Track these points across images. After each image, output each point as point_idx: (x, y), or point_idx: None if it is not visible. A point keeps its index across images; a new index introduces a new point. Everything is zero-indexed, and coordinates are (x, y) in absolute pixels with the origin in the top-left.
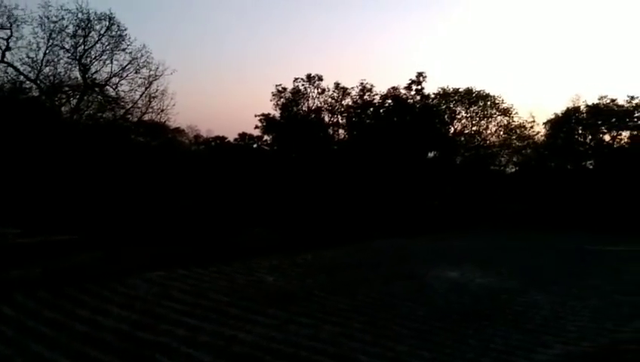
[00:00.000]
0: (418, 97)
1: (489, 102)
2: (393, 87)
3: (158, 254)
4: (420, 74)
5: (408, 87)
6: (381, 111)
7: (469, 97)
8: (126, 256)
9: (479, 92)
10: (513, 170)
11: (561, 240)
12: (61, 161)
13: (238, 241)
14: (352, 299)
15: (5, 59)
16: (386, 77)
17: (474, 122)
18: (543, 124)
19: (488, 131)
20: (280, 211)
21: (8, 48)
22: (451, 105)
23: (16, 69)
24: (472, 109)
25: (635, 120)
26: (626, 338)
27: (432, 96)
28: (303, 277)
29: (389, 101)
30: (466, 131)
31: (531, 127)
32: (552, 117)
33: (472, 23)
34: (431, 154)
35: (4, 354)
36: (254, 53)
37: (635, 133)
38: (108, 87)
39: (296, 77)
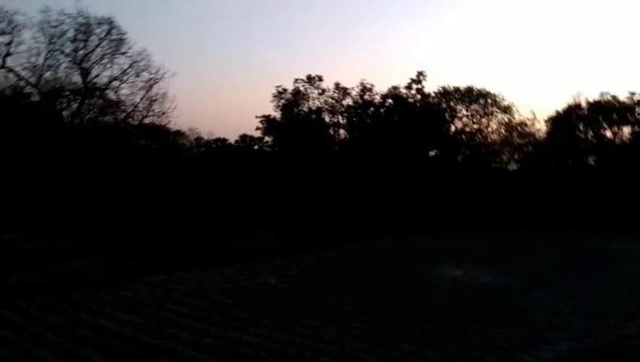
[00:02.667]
0: (418, 96)
1: (489, 100)
2: (393, 87)
3: (160, 257)
4: (420, 73)
5: (408, 87)
6: (382, 110)
7: (470, 95)
8: (128, 259)
9: (480, 90)
10: (515, 167)
11: (562, 238)
12: (62, 166)
13: (239, 243)
14: (355, 299)
15: (6, 65)
16: (386, 77)
17: (475, 120)
18: (544, 121)
19: (489, 129)
20: (281, 212)
21: (9, 54)
22: (452, 104)
23: (17, 74)
24: (472, 107)
25: (637, 115)
26: (631, 334)
27: (433, 95)
28: (306, 278)
29: (390, 100)
30: (467, 129)
31: (532, 125)
32: (553, 114)
33: (472, 22)
34: (432, 153)
35: (8, 359)
36: (255, 54)
37: (637, 128)
38: (109, 90)
39: (297, 78)
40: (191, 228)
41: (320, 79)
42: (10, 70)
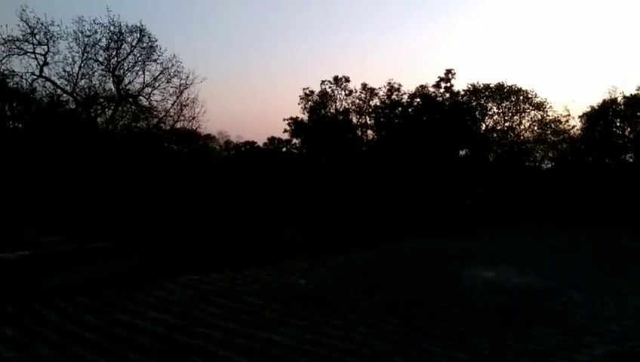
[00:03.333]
0: (447, 95)
1: (521, 97)
2: (421, 86)
3: (192, 258)
4: (448, 71)
5: (437, 85)
6: (410, 110)
7: (501, 93)
8: (161, 260)
9: (511, 87)
10: (549, 165)
11: (599, 237)
12: (98, 171)
13: (269, 244)
14: (385, 300)
15: (43, 74)
16: (414, 76)
17: (506, 118)
18: (579, 117)
19: (522, 127)
20: (310, 213)
21: (46, 63)
22: (482, 102)
23: (53, 83)
24: (504, 105)
25: None
26: None
27: (462, 93)
28: (335, 279)
29: (418, 100)
30: (499, 127)
31: (567, 121)
32: (588, 110)
33: (501, 18)
34: (462, 152)
35: (49, 357)
36: (282, 57)
37: None
38: (141, 97)
39: (324, 79)
40: (221, 229)
41: (347, 80)
42: (47, 79)
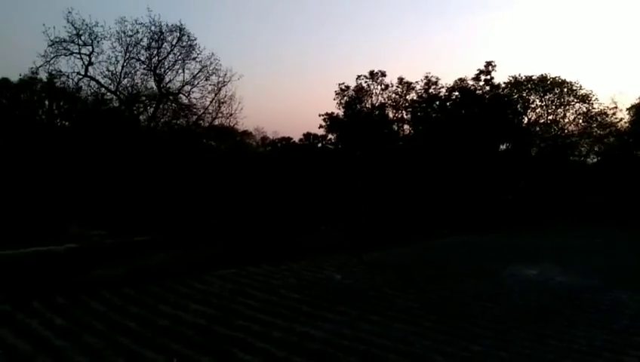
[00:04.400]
0: (487, 88)
1: (566, 89)
2: (460, 79)
3: (230, 252)
4: (488, 63)
5: (476, 78)
6: (448, 104)
7: (544, 85)
8: (201, 254)
9: (554, 78)
10: (595, 160)
11: None
12: (140, 167)
13: (305, 240)
14: (422, 297)
15: (88, 74)
16: (452, 69)
17: (550, 111)
18: (627, 109)
19: (566, 120)
20: (346, 209)
21: (91, 63)
22: (524, 94)
23: (97, 82)
24: (547, 97)
25: None
26: None
27: (503, 85)
28: (371, 275)
29: (456, 93)
30: (542, 121)
31: (614, 114)
32: (637, 102)
33: (544, 7)
34: (503, 147)
35: (96, 346)
36: (318, 54)
37: None
38: (181, 95)
39: (359, 74)
40: (257, 224)
41: (383, 74)
42: (92, 78)
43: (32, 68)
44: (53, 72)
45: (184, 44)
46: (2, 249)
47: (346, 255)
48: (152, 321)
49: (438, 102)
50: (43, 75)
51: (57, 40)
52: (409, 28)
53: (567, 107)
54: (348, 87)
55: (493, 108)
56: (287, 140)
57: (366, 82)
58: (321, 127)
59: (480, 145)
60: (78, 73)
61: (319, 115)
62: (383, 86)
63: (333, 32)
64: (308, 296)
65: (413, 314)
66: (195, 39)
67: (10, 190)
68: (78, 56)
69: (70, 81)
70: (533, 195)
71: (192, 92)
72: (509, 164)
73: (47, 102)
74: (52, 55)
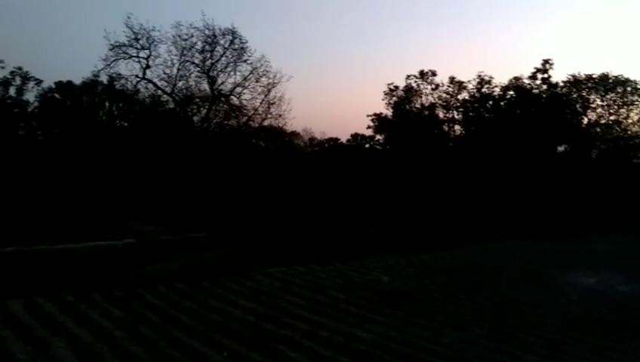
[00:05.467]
0: (544, 86)
1: (629, 88)
2: (515, 78)
3: (279, 251)
4: (546, 61)
5: (533, 77)
6: (502, 103)
7: (605, 83)
8: (251, 251)
9: (617, 77)
10: None
11: None
12: (194, 166)
13: (352, 240)
14: (473, 302)
15: (146, 77)
16: (506, 68)
17: (612, 111)
18: None
19: (629, 120)
20: (394, 211)
21: (148, 66)
22: (584, 94)
23: (154, 84)
24: (608, 97)
25: None
26: None
27: (561, 84)
28: (420, 278)
29: (511, 92)
30: (603, 121)
31: None
32: None
33: (604, 3)
34: (561, 148)
35: (151, 338)
36: (366, 54)
37: None
38: (232, 96)
39: (409, 74)
40: (305, 223)
41: (433, 74)
42: (149, 81)
43: (93, 71)
44: (113, 75)
45: (236, 46)
46: (66, 243)
47: (394, 257)
48: (204, 316)
49: (491, 102)
50: (104, 78)
51: (117, 44)
52: (461, 26)
53: (631, 107)
54: (397, 87)
55: (550, 108)
56: (334, 141)
57: (416, 82)
58: (369, 127)
59: (536, 146)
60: (137, 76)
61: (367, 116)
62: (433, 86)
63: (382, 31)
64: (355, 297)
65: (463, 320)
66: (246, 42)
67: (73, 187)
68: (137, 59)
69: (129, 83)
70: (593, 199)
71: (243, 93)
72: (567, 167)
73: (107, 104)
74: (112, 59)
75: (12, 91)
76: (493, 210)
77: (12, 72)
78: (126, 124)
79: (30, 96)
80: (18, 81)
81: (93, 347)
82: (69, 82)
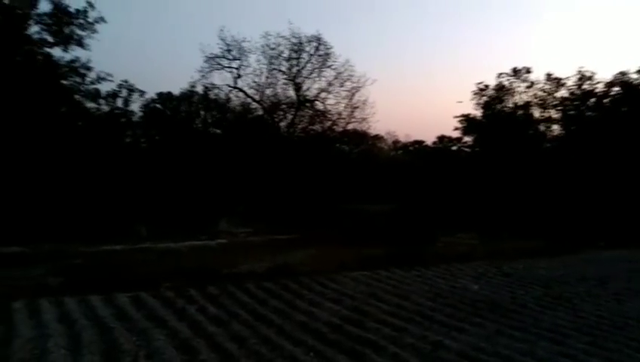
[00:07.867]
0: None
1: None
2: (621, 72)
3: (364, 255)
4: None
5: None
6: (605, 101)
7: None
8: (334, 254)
9: None
10: None
11: None
12: (281, 170)
13: (439, 246)
14: (573, 316)
15: (237, 86)
16: (610, 63)
17: None
18: None
19: None
20: (483, 216)
21: (239, 76)
22: None
23: (245, 92)
24: None
25: None
26: None
27: None
28: (513, 287)
29: (616, 89)
30: None
31: None
32: None
33: None
34: None
35: (242, 334)
36: (452, 54)
37: None
38: (317, 101)
39: (500, 72)
40: (392, 228)
41: (528, 71)
42: (240, 90)
43: (190, 82)
44: (208, 85)
45: (321, 52)
46: (164, 242)
47: (484, 264)
48: (290, 316)
49: (593, 100)
50: (199, 88)
51: (211, 56)
52: (557, 19)
53: None
54: (487, 87)
55: None
56: (419, 143)
57: (508, 80)
58: (456, 129)
59: None
60: (229, 85)
61: (454, 117)
62: (527, 83)
63: (469, 29)
64: (441, 305)
65: (562, 334)
66: (331, 47)
67: (172, 190)
68: (229, 69)
69: (222, 92)
70: None
71: (328, 98)
72: None
73: (202, 113)
74: (207, 70)
75: (119, 102)
76: (595, 217)
77: (119, 85)
78: (219, 131)
79: (135, 106)
80: (124, 93)
81: (190, 341)
82: (169, 93)
